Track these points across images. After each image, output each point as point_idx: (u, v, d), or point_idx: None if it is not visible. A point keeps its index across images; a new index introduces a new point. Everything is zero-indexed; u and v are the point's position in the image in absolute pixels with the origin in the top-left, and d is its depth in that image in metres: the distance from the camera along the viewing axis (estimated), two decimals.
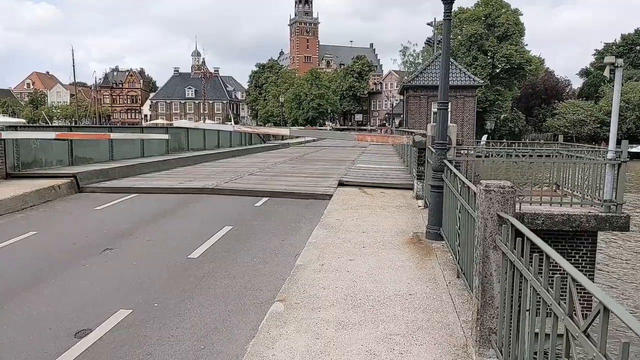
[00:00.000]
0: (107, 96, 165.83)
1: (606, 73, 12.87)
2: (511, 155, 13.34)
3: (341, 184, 17.98)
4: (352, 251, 9.29)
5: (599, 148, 13.57)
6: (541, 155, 15.35)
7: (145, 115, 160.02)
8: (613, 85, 12.93)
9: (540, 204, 12.51)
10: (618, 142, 12.53)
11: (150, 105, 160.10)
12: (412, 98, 50.05)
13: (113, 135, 23.53)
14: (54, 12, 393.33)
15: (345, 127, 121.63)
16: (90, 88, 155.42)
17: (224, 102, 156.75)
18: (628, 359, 2.36)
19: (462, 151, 14.55)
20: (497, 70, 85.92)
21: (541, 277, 3.61)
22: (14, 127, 19.81)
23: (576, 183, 13.47)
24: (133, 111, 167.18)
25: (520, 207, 11.90)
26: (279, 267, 9.10)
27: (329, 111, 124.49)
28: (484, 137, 60.64)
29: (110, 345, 6.05)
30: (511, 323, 4.38)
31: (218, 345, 6.06)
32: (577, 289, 3.04)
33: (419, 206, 13.84)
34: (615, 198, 11.99)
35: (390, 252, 9.23)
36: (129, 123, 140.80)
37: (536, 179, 13.52)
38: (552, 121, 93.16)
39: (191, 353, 5.87)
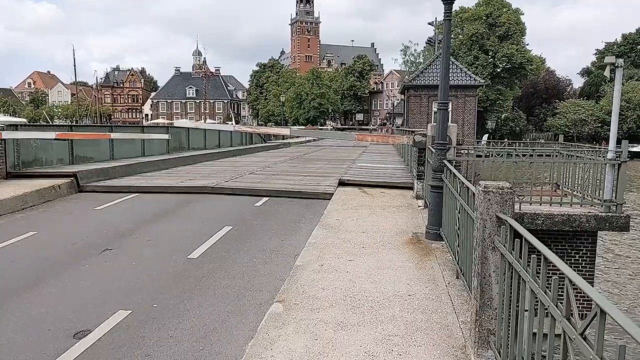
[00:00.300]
0: (108, 95, 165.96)
1: (606, 73, 12.85)
2: (511, 155, 13.33)
3: (341, 182, 17.96)
4: (351, 251, 9.28)
5: (599, 148, 13.55)
6: (541, 155, 15.35)
7: (146, 115, 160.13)
8: (614, 85, 12.90)
9: (540, 204, 12.49)
10: (618, 142, 12.52)
11: (151, 105, 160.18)
12: (413, 98, 50.08)
13: (113, 135, 23.51)
14: (55, 12, 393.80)
15: (346, 126, 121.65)
16: (92, 87, 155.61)
17: (225, 101, 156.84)
18: None
19: (462, 151, 14.55)
20: (498, 70, 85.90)
21: (539, 278, 3.61)
22: (14, 127, 19.80)
23: (576, 183, 13.46)
24: (134, 111, 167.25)
25: (520, 207, 11.89)
26: (279, 267, 9.10)
27: (330, 111, 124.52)
28: (485, 137, 60.67)
29: (109, 346, 6.04)
30: (510, 324, 4.37)
31: (217, 346, 6.06)
32: (574, 290, 3.04)
33: (419, 206, 13.84)
34: (616, 198, 11.98)
35: (390, 253, 9.23)
36: (129, 122, 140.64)
37: (536, 179, 13.51)
38: (553, 121, 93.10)
39: (190, 354, 5.86)
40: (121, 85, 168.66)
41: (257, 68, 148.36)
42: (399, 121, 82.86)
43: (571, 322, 3.03)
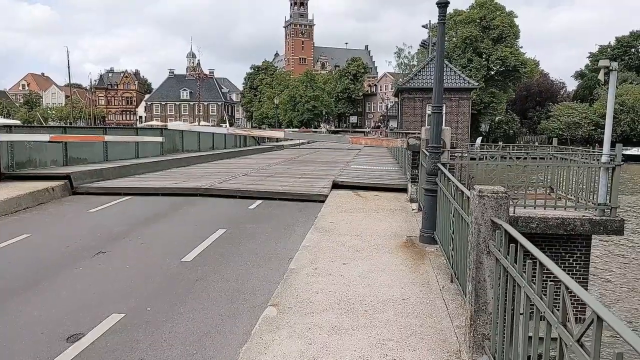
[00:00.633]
0: (102, 97, 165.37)
1: (600, 76, 12.84)
2: (505, 158, 13.34)
3: (335, 184, 17.94)
4: (345, 255, 9.27)
5: (592, 151, 13.56)
6: (535, 158, 15.36)
7: (140, 117, 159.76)
8: (608, 88, 12.93)
9: (535, 208, 12.50)
10: (612, 145, 12.54)
11: (145, 107, 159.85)
12: (406, 100, 50.10)
13: (107, 138, 23.46)
14: (49, 13, 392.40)
15: (340, 129, 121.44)
16: (86, 89, 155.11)
17: (219, 103, 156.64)
18: None
19: (456, 154, 14.55)
20: (492, 73, 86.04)
21: (534, 284, 3.60)
22: (8, 128, 19.76)
23: (570, 186, 13.48)
24: (128, 112, 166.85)
25: (514, 210, 11.89)
26: (273, 270, 9.07)
27: (324, 113, 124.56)
28: (479, 140, 60.70)
29: (102, 350, 6.01)
30: (504, 329, 4.36)
31: (210, 351, 6.03)
32: (570, 295, 3.03)
33: (413, 209, 13.83)
34: (610, 201, 12.00)
35: (384, 256, 9.21)
36: (123, 124, 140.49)
37: (530, 182, 13.52)
38: (546, 123, 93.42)
39: (183, 358, 5.84)
40: (115, 87, 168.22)
41: (250, 70, 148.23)
42: (393, 124, 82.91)
43: (567, 328, 3.02)
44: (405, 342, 5.68)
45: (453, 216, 7.38)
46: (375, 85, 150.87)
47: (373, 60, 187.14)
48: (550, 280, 3.33)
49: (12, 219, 13.40)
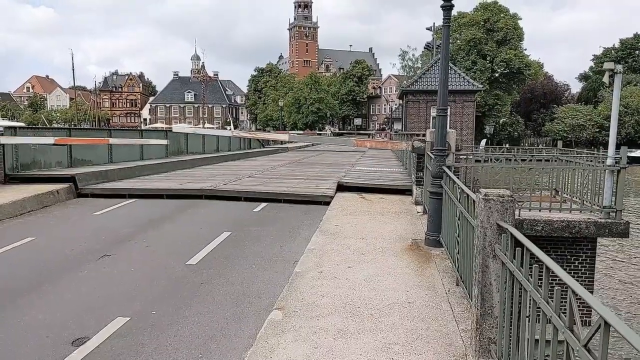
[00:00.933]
0: (107, 100, 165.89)
1: (605, 79, 12.81)
2: (510, 161, 13.31)
3: (340, 185, 17.92)
4: (351, 258, 9.26)
5: (597, 154, 13.53)
6: (540, 160, 15.33)
7: (145, 119, 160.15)
8: (612, 91, 12.90)
9: (540, 210, 12.46)
10: (617, 147, 12.51)
11: (149, 109, 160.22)
12: (411, 103, 50.11)
13: (112, 141, 23.49)
14: (52, 15, 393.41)
15: (345, 131, 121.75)
16: (90, 92, 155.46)
17: (223, 106, 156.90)
18: None
19: (461, 157, 14.53)
20: (496, 75, 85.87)
21: (541, 288, 3.59)
22: (13, 129, 19.81)
23: (575, 189, 13.45)
24: (132, 115, 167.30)
25: (519, 213, 11.86)
26: (278, 274, 9.08)
27: (329, 115, 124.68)
28: (483, 142, 60.70)
29: (107, 354, 6.02)
30: (511, 333, 4.35)
31: (216, 354, 6.03)
32: (576, 299, 3.02)
33: (418, 212, 13.82)
34: (615, 204, 11.96)
35: (389, 259, 9.20)
36: (128, 127, 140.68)
37: (535, 185, 13.49)
38: (551, 126, 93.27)
39: None
40: (119, 89, 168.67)
41: (255, 73, 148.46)
42: (397, 126, 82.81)
43: (574, 333, 3.01)
44: (411, 345, 5.67)
45: (458, 219, 7.36)
46: (380, 87, 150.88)
47: (377, 62, 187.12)
48: (557, 284, 3.32)
49: (17, 221, 13.42)
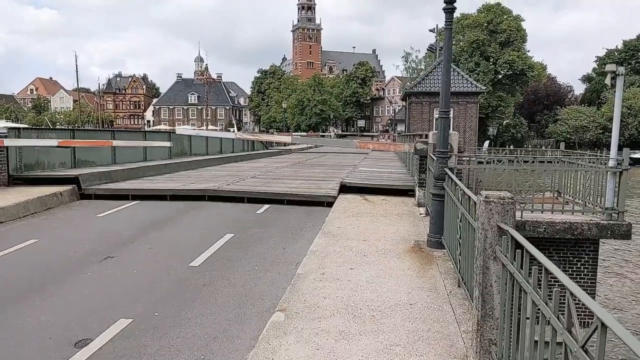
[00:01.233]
0: (110, 102, 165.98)
1: (607, 81, 12.82)
2: (512, 162, 13.32)
3: (343, 186, 17.92)
4: (353, 260, 9.27)
5: (599, 156, 13.53)
6: (543, 162, 15.33)
7: (148, 121, 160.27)
8: (615, 92, 12.91)
9: (542, 212, 12.47)
10: (620, 149, 12.51)
11: (153, 111, 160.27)
12: (414, 104, 50.03)
13: (115, 143, 23.56)
14: (56, 17, 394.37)
15: (348, 133, 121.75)
16: (94, 94, 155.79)
17: (227, 107, 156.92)
18: None
19: (463, 158, 14.54)
20: (500, 76, 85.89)
21: (540, 290, 3.61)
22: (17, 130, 19.88)
23: (578, 190, 13.45)
24: (136, 117, 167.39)
25: (521, 214, 11.87)
26: (280, 275, 9.10)
27: (332, 117, 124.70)
28: (486, 144, 60.60)
29: (110, 355, 6.05)
30: (511, 334, 4.37)
31: (218, 356, 6.06)
32: (574, 300, 3.04)
33: (421, 214, 13.82)
34: (617, 206, 11.96)
35: (391, 261, 9.21)
36: (131, 129, 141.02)
37: (538, 186, 13.49)
38: (554, 127, 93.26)
39: None
40: (123, 91, 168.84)
41: (258, 74, 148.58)
42: (400, 128, 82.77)
43: (572, 334, 3.03)
44: (412, 347, 5.69)
45: (460, 221, 7.38)
46: (383, 89, 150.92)
47: (380, 64, 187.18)
48: (556, 286, 3.34)
49: (20, 223, 13.47)
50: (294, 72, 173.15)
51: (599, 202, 12.38)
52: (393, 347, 5.68)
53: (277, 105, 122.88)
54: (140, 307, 7.59)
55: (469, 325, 6.05)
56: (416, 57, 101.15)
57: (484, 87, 57.33)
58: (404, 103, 66.31)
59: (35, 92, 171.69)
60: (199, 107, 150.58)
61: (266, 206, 16.06)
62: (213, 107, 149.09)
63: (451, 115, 10.83)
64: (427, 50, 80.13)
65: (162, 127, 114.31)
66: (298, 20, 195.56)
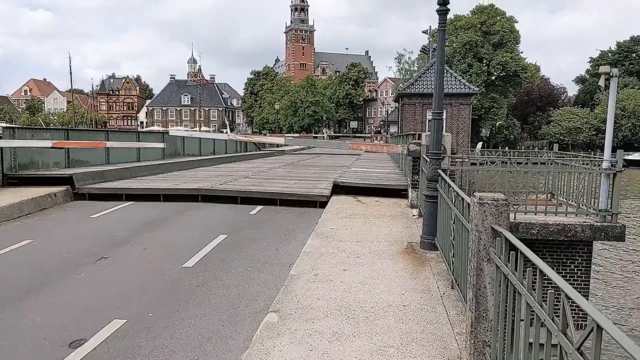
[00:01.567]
0: (104, 103, 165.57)
1: (601, 83, 12.86)
2: (506, 164, 13.34)
3: (336, 185, 17.89)
4: (346, 261, 9.27)
5: (593, 157, 13.55)
6: (536, 163, 15.36)
7: (142, 122, 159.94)
8: (608, 94, 12.95)
9: (535, 214, 12.48)
10: (614, 150, 12.54)
11: (146, 112, 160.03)
12: (407, 106, 50.09)
13: (109, 144, 23.54)
14: (51, 19, 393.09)
15: (341, 134, 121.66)
16: (87, 95, 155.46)
17: (220, 109, 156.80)
18: None
19: (456, 160, 14.56)
20: (493, 78, 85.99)
21: (535, 292, 3.61)
22: (12, 129, 19.82)
23: (571, 192, 13.47)
24: (129, 118, 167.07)
25: (515, 216, 11.87)
26: (273, 276, 9.11)
27: (325, 118, 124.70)
28: (479, 145, 60.78)
29: (104, 356, 6.05)
30: (505, 336, 4.38)
31: (212, 357, 6.06)
32: (569, 301, 3.04)
33: (414, 215, 13.84)
34: (611, 207, 11.98)
35: (385, 262, 9.22)
36: (125, 129, 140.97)
37: (531, 188, 13.51)
38: (547, 128, 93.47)
39: None
40: (117, 92, 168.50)
41: (251, 76, 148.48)
42: (393, 129, 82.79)
43: (567, 336, 3.03)
44: (406, 348, 5.70)
45: (454, 222, 7.39)
46: (376, 90, 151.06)
47: (373, 65, 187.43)
48: (551, 288, 3.35)
49: (14, 224, 13.44)
50: (287, 74, 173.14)
51: (592, 203, 12.41)
52: (386, 349, 5.69)
53: (270, 106, 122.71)
54: (134, 308, 7.58)
55: (463, 326, 6.06)
56: (409, 58, 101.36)
57: (477, 89, 57.44)
58: (396, 104, 66.39)
59: (29, 94, 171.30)
60: (192, 109, 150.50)
61: (259, 207, 16.05)
62: (206, 109, 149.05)
63: (444, 117, 10.82)
64: (420, 51, 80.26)
65: (155, 128, 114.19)
66: (291, 22, 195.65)
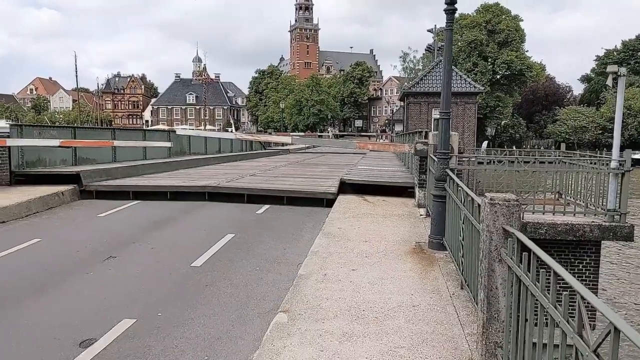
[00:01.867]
0: (109, 102, 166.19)
1: (609, 82, 12.84)
2: (513, 163, 13.30)
3: (343, 182, 17.83)
4: (354, 261, 9.27)
5: (600, 157, 13.49)
6: (543, 163, 15.31)
7: (147, 121, 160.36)
8: (614, 92, 12.92)
9: (543, 213, 12.45)
10: (621, 149, 12.48)
11: (151, 111, 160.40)
12: (412, 104, 50.04)
13: (116, 143, 23.67)
14: (56, 18, 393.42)
15: (346, 133, 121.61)
16: (92, 94, 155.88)
17: (225, 107, 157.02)
18: None
19: (463, 159, 14.53)
20: (498, 77, 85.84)
21: (549, 293, 3.60)
22: (19, 127, 19.88)
23: (579, 191, 13.42)
24: (134, 117, 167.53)
25: (522, 216, 11.83)
26: (282, 276, 9.11)
27: (330, 117, 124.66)
28: (484, 144, 60.66)
29: (114, 356, 6.06)
30: (517, 337, 4.37)
31: (222, 357, 6.07)
32: (584, 304, 3.04)
33: (421, 215, 13.82)
34: (619, 207, 11.94)
35: (393, 262, 9.21)
36: (131, 128, 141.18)
37: (538, 187, 13.47)
38: (553, 127, 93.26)
39: None
40: (122, 91, 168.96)
41: (256, 75, 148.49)
42: (398, 128, 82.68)
43: (583, 338, 3.03)
44: (416, 349, 5.69)
45: (463, 223, 7.36)
46: (381, 89, 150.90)
47: (378, 64, 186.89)
48: (564, 289, 3.34)
49: (22, 223, 13.48)
50: (292, 72, 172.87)
51: (600, 203, 12.37)
52: (397, 349, 5.68)
53: (275, 105, 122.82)
54: (143, 307, 7.60)
55: (474, 327, 6.06)
56: (414, 57, 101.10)
57: (482, 88, 57.37)
58: (401, 103, 66.41)
59: (34, 92, 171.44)
60: (197, 107, 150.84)
61: (266, 206, 16.05)
62: (211, 107, 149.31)
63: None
64: (425, 50, 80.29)
65: (160, 127, 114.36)
66: (296, 21, 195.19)
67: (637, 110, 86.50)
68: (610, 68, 12.86)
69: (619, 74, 12.46)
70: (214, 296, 8.14)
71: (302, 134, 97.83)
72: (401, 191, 17.48)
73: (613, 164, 12.04)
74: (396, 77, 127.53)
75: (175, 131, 33.74)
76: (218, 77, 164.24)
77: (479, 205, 5.81)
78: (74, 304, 7.77)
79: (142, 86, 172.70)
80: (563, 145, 20.00)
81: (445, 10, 10.01)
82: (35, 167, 18.96)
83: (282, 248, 11.16)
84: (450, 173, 9.38)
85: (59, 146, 19.44)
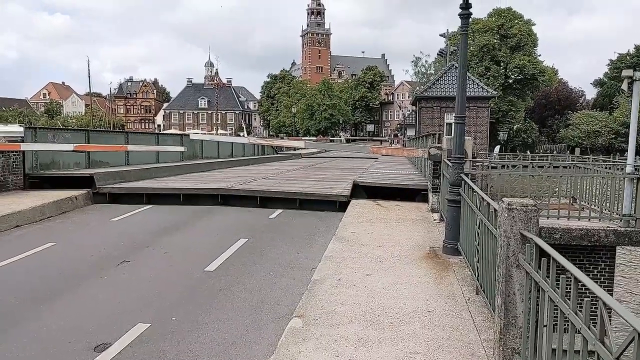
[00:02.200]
0: (122, 106, 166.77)
1: (624, 86, 12.74)
2: (527, 168, 13.23)
3: (356, 185, 17.76)
4: (368, 266, 9.24)
5: (615, 161, 13.39)
6: (557, 167, 15.24)
7: (159, 125, 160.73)
8: (628, 96, 12.84)
9: (558, 218, 12.38)
10: (636, 154, 12.39)
11: (163, 116, 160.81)
12: (424, 109, 49.97)
13: (130, 148, 23.82)
14: (69, 23, 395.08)
15: (357, 137, 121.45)
16: (105, 98, 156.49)
17: (237, 112, 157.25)
18: None
19: (477, 164, 14.49)
20: (510, 81, 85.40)
21: (569, 299, 3.57)
22: (33, 130, 20.00)
23: (594, 197, 13.34)
24: (146, 121, 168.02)
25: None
26: (295, 281, 9.09)
27: (341, 121, 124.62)
28: (497, 149, 60.42)
29: None
30: (535, 343, 4.33)
31: None
32: (606, 309, 3.00)
33: (435, 219, 13.78)
34: (635, 212, 11.85)
35: (407, 267, 9.18)
36: (144, 132, 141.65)
37: (553, 192, 13.41)
38: (566, 132, 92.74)
39: None
40: (134, 96, 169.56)
41: (268, 79, 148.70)
42: (410, 132, 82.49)
43: (605, 345, 2.99)
44: (432, 355, 5.65)
45: (478, 228, 7.32)
46: (392, 93, 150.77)
47: (390, 68, 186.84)
48: (583, 294, 3.30)
49: (36, 227, 13.54)
50: (303, 77, 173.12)
51: (616, 208, 12.28)
52: (413, 355, 5.64)
53: (287, 109, 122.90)
54: (157, 312, 7.59)
55: (490, 333, 6.01)
56: (426, 61, 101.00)
57: (495, 92, 57.23)
58: (413, 108, 66.26)
59: (47, 97, 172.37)
60: (209, 112, 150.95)
61: (279, 211, 16.05)
62: (223, 112, 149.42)
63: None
64: (438, 54, 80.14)
65: (172, 131, 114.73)
66: (307, 25, 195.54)
67: None
68: (626, 72, 12.75)
69: (634, 78, 12.36)
70: (228, 301, 8.12)
71: (314, 138, 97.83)
72: (414, 194, 17.41)
73: (628, 169, 11.97)
74: (408, 82, 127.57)
75: (188, 135, 33.77)
76: (230, 81, 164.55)
77: (495, 210, 5.77)
78: (88, 308, 7.78)
79: (155, 91, 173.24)
80: (577, 150, 19.87)
81: (460, 14, 9.98)
82: (49, 170, 19.15)
83: (296, 252, 11.15)
84: (466, 178, 9.34)
85: (74, 150, 19.56)
